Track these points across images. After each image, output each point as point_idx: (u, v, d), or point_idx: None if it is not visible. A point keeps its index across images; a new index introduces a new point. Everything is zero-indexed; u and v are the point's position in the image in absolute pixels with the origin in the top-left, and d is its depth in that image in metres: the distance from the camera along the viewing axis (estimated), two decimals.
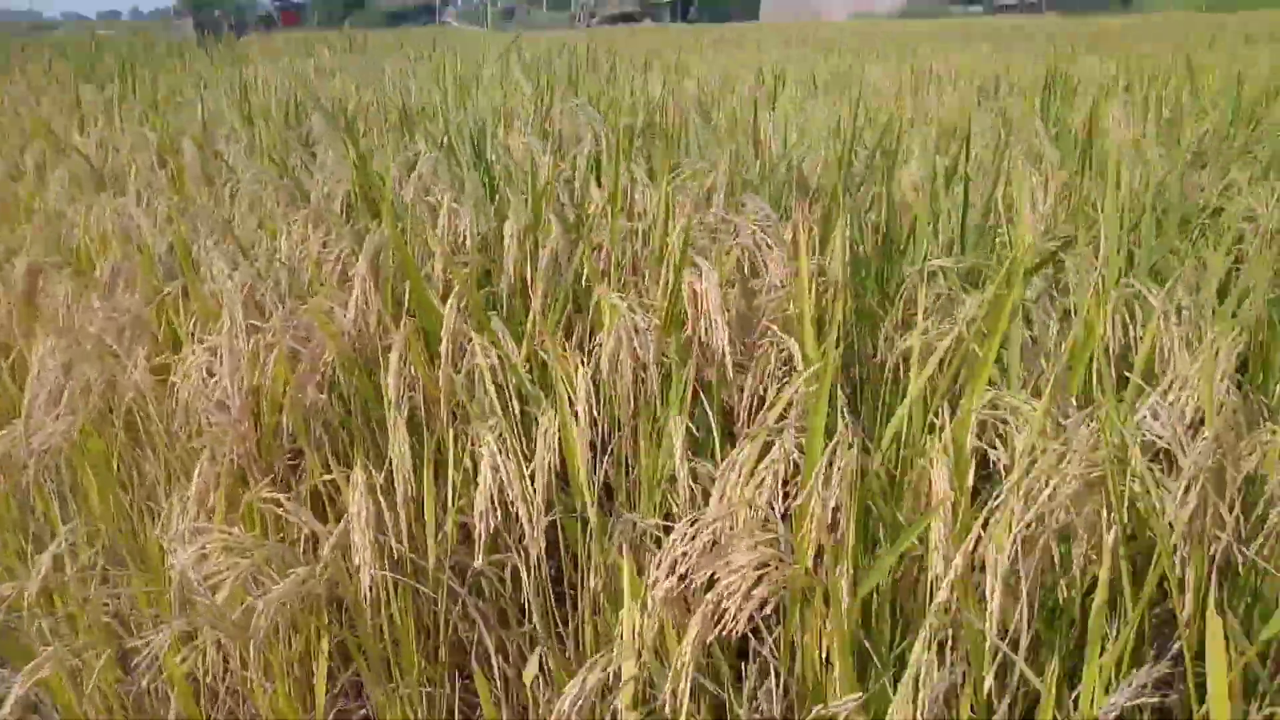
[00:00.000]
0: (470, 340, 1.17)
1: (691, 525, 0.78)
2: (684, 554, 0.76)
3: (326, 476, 1.01)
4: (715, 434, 1.14)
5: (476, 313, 1.04)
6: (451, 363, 1.03)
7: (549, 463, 0.92)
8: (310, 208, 1.55)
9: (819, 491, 0.78)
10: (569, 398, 1.02)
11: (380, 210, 1.70)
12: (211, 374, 1.19)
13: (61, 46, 6.32)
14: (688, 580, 0.78)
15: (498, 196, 1.63)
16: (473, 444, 1.15)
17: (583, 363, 1.09)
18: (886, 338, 1.28)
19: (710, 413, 1.13)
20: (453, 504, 1.02)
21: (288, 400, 1.17)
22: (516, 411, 1.18)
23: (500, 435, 0.94)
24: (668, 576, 0.77)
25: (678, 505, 1.08)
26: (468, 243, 1.42)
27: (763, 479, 0.82)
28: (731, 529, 0.80)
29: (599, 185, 1.62)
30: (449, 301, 1.03)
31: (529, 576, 0.99)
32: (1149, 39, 6.45)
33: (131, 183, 2.06)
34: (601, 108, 2.25)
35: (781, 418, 1.04)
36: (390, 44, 6.59)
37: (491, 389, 1.07)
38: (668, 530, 1.09)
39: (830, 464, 0.80)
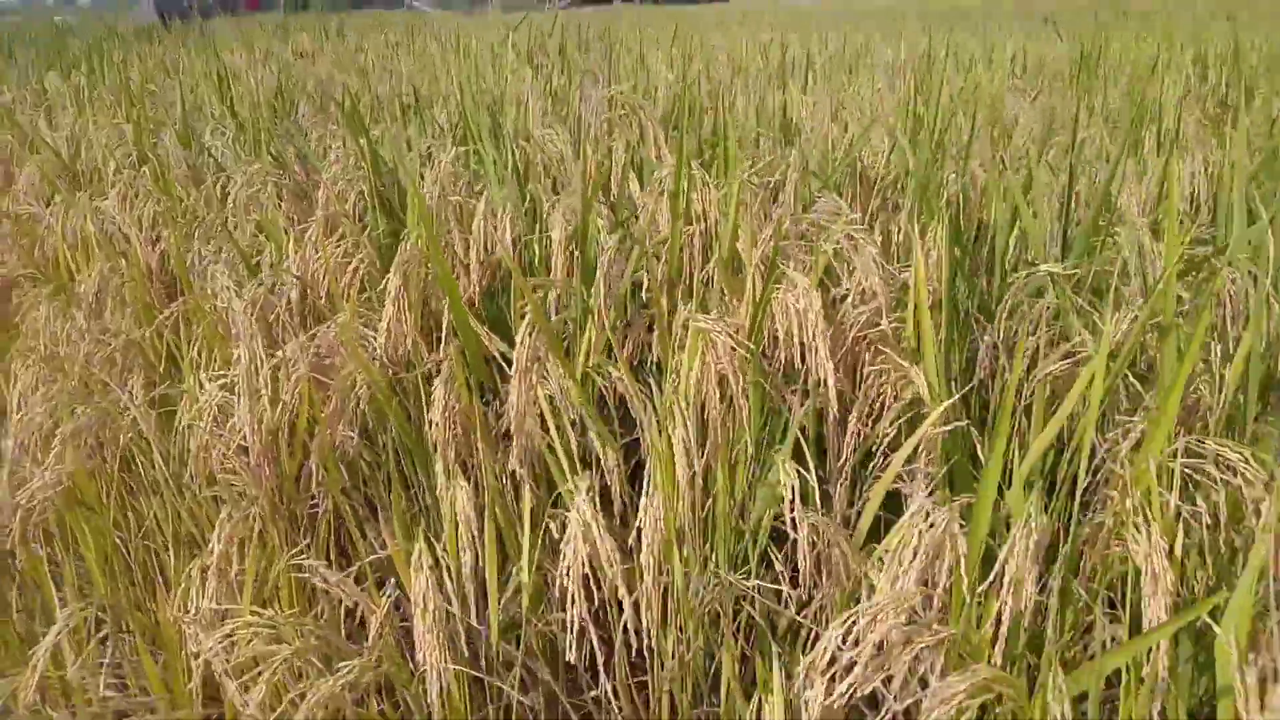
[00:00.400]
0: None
1: (852, 622, 0.63)
2: (850, 662, 0.61)
3: (381, 553, 0.85)
4: (812, 478, 1.00)
5: (552, 344, 0.88)
6: (529, 404, 0.87)
7: (657, 535, 0.76)
8: (321, 211, 1.38)
9: (1009, 580, 0.63)
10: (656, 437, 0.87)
11: (399, 213, 1.53)
12: (225, 413, 1.02)
13: (18, 31, 6.04)
14: (850, 690, 0.63)
15: (528, 197, 1.46)
16: (529, 493, 1.00)
17: (658, 397, 0.94)
18: (989, 354, 1.14)
19: (807, 452, 0.98)
20: (528, 572, 0.86)
21: (317, 442, 1.01)
22: (574, 444, 1.03)
23: (588, 493, 0.78)
24: (826, 687, 0.63)
25: (779, 561, 0.93)
26: (502, 251, 1.26)
27: (932, 558, 0.67)
28: (895, 622, 0.65)
29: (640, 183, 1.46)
30: (520, 332, 0.87)
31: (608, 669, 0.84)
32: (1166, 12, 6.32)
33: (110, 181, 1.87)
34: (623, 93, 2.08)
35: (907, 461, 0.89)
36: (369, 26, 6.35)
37: (568, 428, 0.92)
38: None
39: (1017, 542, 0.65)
